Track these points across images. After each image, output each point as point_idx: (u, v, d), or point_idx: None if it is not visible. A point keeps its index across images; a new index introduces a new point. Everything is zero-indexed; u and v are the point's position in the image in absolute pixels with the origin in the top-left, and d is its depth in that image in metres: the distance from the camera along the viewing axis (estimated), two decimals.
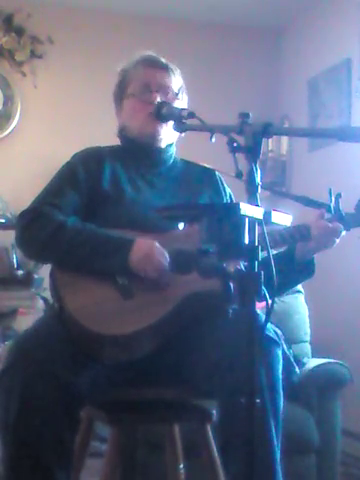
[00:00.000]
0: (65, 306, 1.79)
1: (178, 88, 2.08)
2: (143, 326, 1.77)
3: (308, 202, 1.96)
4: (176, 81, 2.08)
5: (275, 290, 1.40)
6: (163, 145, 2.07)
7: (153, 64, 2.07)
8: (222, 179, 2.17)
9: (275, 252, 1.98)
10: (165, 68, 2.07)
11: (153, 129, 2.02)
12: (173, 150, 2.13)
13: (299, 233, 1.95)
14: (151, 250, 1.82)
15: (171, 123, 1.95)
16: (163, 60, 2.09)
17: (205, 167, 2.17)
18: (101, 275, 1.83)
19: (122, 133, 2.13)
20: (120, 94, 2.11)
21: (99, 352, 1.79)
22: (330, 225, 1.94)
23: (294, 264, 1.99)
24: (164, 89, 2.04)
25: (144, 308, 1.80)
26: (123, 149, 2.13)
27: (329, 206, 1.97)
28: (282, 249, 2.02)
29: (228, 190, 2.17)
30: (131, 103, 2.07)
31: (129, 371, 1.85)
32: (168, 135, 2.05)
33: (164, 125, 2.00)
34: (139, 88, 2.05)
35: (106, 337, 1.76)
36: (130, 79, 2.08)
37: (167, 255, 1.83)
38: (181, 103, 2.05)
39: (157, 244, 1.83)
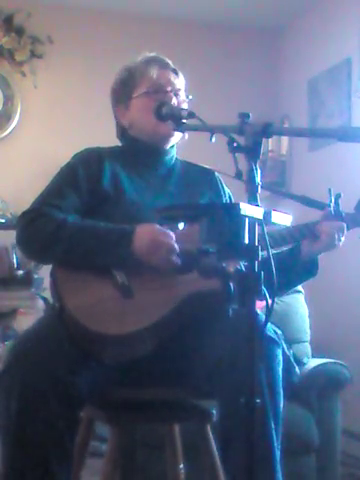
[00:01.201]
0: (65, 305, 1.79)
1: (185, 91, 2.09)
2: (143, 326, 1.77)
3: (308, 202, 1.96)
4: (184, 84, 2.09)
5: (276, 289, 1.40)
6: (169, 146, 2.08)
7: (166, 66, 2.08)
8: (221, 180, 2.17)
9: (278, 251, 1.98)
10: (176, 71, 2.09)
11: (167, 130, 2.01)
12: (174, 152, 2.13)
13: (299, 233, 1.95)
14: (154, 234, 1.80)
15: None
16: (169, 62, 2.10)
17: (205, 168, 2.17)
18: (105, 270, 1.82)
19: (125, 133, 2.12)
20: (127, 93, 2.09)
21: (99, 352, 1.79)
22: (337, 225, 1.94)
23: (298, 263, 1.99)
24: (176, 91, 2.05)
25: (144, 308, 1.80)
26: (124, 150, 2.13)
27: (329, 206, 1.97)
28: (287, 247, 2.02)
29: (227, 191, 2.17)
30: (144, 102, 2.04)
31: (129, 371, 1.85)
32: (176, 137, 2.06)
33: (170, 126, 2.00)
34: (153, 88, 2.04)
35: (106, 337, 1.76)
36: (140, 78, 2.06)
37: (171, 233, 1.81)
38: (186, 105, 2.06)
39: (158, 226, 1.82)
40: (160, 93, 2.03)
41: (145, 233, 1.81)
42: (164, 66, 2.08)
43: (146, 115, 2.01)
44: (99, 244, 1.83)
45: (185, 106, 2.04)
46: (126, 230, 1.83)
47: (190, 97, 2.08)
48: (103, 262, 1.83)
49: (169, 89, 2.04)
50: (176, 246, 1.80)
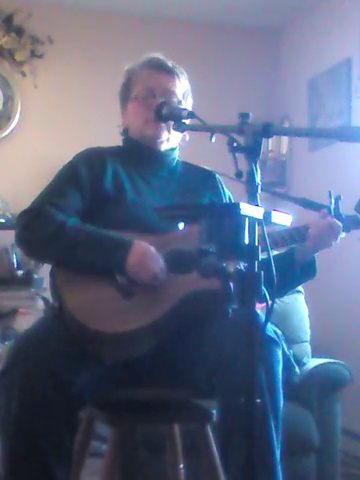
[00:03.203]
0: (65, 305, 1.79)
1: (183, 93, 2.08)
2: (143, 324, 1.77)
3: (307, 204, 1.96)
4: (181, 86, 2.08)
5: (276, 291, 1.40)
6: (163, 148, 2.07)
7: (159, 68, 2.06)
8: (222, 181, 2.17)
9: (276, 253, 1.98)
10: (171, 72, 2.06)
11: (153, 132, 2.03)
12: (176, 154, 2.13)
13: (298, 234, 1.95)
14: (145, 255, 1.82)
15: (169, 125, 1.97)
16: (170, 64, 2.07)
17: (205, 169, 2.17)
18: (100, 274, 1.83)
19: (125, 134, 2.13)
20: (125, 95, 2.11)
21: (99, 350, 1.79)
22: (328, 224, 1.95)
23: (295, 265, 1.99)
24: (168, 94, 2.03)
25: (144, 307, 1.80)
26: (124, 150, 2.13)
27: (328, 208, 1.97)
28: (282, 250, 2.02)
29: (227, 192, 2.17)
30: (134, 106, 2.07)
31: (129, 371, 1.85)
32: (171, 138, 2.05)
33: (166, 128, 2.01)
34: (143, 92, 2.05)
35: (106, 335, 1.76)
36: (135, 81, 2.08)
37: (161, 260, 1.83)
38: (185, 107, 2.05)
39: (152, 249, 1.84)
40: (149, 98, 2.03)
41: (139, 251, 1.82)
42: (159, 69, 2.06)
43: (134, 118, 2.06)
44: (95, 251, 1.84)
45: None
46: (124, 241, 1.84)
47: (183, 104, 2.05)
48: (97, 268, 1.84)
49: (158, 94, 2.03)
50: (158, 273, 1.81)
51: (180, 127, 1.85)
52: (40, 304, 3.65)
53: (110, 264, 1.83)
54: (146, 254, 1.82)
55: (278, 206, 1.48)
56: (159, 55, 2.10)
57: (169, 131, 2.03)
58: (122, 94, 2.13)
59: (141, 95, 2.05)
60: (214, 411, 1.95)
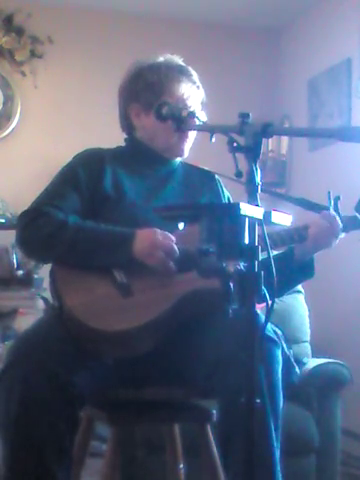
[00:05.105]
0: (64, 304, 1.79)
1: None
2: (142, 322, 1.76)
3: (307, 205, 1.96)
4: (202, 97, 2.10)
5: (275, 290, 1.40)
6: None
7: (194, 83, 2.07)
8: (221, 182, 2.17)
9: (275, 253, 1.98)
10: (197, 85, 2.08)
11: (181, 149, 2.04)
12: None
13: (298, 234, 1.95)
14: (154, 235, 1.81)
15: (193, 135, 2.01)
16: (194, 75, 2.08)
17: (205, 170, 2.17)
18: (104, 269, 1.83)
19: (132, 132, 2.12)
20: (150, 98, 2.02)
21: (99, 349, 1.79)
22: (329, 224, 1.95)
23: (294, 264, 1.99)
24: (196, 107, 2.05)
25: (144, 305, 1.80)
26: (125, 150, 2.12)
27: (328, 208, 1.97)
28: (282, 250, 2.02)
29: (227, 193, 2.18)
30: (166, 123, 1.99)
31: (129, 371, 1.85)
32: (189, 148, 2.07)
33: (190, 142, 2.04)
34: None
35: (105, 333, 1.76)
36: (169, 92, 2.03)
37: (172, 236, 1.82)
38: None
39: (158, 230, 1.82)
40: None
41: (145, 235, 1.82)
42: (193, 83, 2.07)
43: (168, 132, 1.97)
44: (100, 246, 1.84)
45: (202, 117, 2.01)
46: (127, 233, 1.84)
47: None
48: (102, 264, 1.84)
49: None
50: (176, 248, 1.80)
51: (180, 127, 1.85)
52: (40, 304, 3.65)
53: (116, 260, 1.83)
54: (154, 235, 1.81)
55: (278, 206, 1.48)
56: (180, 60, 2.09)
57: (190, 143, 2.05)
58: (144, 93, 2.05)
59: None
60: (214, 411, 1.95)
